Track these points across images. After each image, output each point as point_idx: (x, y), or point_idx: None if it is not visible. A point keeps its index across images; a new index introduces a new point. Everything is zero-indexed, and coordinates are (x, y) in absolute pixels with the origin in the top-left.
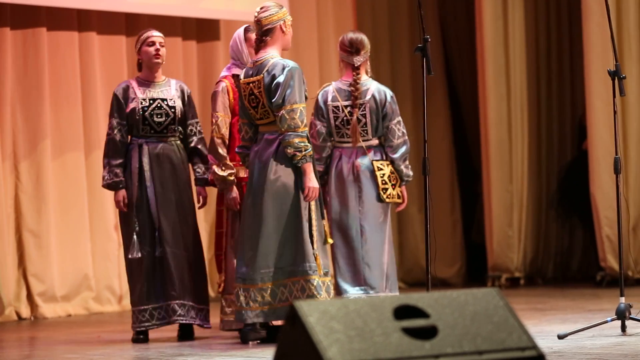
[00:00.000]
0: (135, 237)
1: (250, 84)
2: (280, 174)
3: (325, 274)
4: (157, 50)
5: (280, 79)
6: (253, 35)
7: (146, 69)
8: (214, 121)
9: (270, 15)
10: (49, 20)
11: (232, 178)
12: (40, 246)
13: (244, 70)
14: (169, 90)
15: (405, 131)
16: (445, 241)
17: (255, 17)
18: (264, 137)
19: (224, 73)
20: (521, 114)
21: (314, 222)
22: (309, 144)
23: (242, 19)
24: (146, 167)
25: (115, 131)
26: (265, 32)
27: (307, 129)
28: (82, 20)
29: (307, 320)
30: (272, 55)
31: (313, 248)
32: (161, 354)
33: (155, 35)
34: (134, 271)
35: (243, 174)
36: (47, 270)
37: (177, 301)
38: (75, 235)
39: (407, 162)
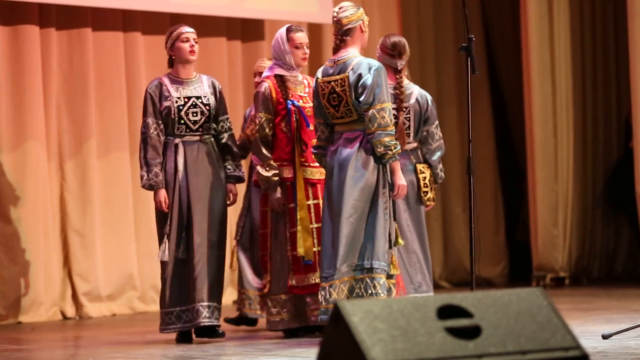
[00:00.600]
0: (166, 239)
1: (332, 83)
2: (363, 172)
3: (391, 276)
4: (192, 46)
5: (368, 78)
6: (296, 35)
7: (179, 66)
8: (257, 121)
9: (350, 14)
10: (94, 20)
11: (276, 179)
12: (85, 246)
13: (322, 69)
14: (202, 88)
15: (441, 134)
16: (489, 241)
17: (335, 16)
18: (343, 136)
19: (266, 73)
20: (566, 113)
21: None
22: (397, 143)
23: (287, 18)
24: (180, 167)
25: (152, 130)
26: (346, 31)
27: (394, 128)
28: (127, 21)
29: (351, 319)
30: (354, 55)
31: (390, 247)
32: (205, 353)
33: (189, 31)
34: (164, 273)
35: (287, 174)
36: (92, 269)
37: (202, 303)
38: (120, 235)
39: (441, 165)
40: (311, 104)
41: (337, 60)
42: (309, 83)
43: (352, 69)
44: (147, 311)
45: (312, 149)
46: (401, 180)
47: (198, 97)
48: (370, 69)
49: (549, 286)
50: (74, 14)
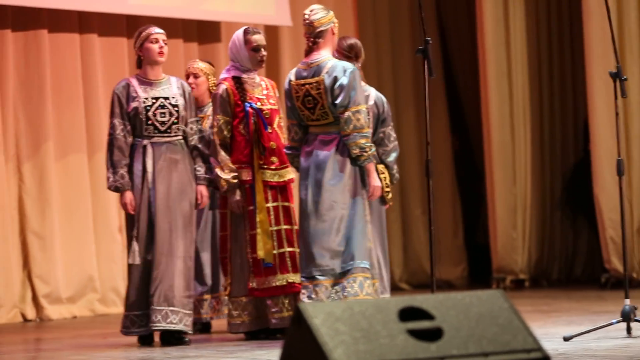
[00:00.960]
0: (135, 242)
1: (306, 85)
2: (340, 175)
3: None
4: (161, 47)
5: (344, 80)
6: (253, 37)
7: (147, 67)
8: (215, 124)
9: (322, 17)
10: (50, 22)
11: (235, 181)
12: (44, 248)
13: (295, 71)
14: (170, 89)
15: (396, 136)
16: (448, 243)
17: (307, 19)
18: (318, 138)
19: (223, 75)
20: (523, 115)
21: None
22: (372, 145)
23: (243, 20)
24: (149, 169)
25: (118, 131)
26: (319, 34)
27: (370, 129)
28: (83, 22)
29: (313, 321)
30: (327, 57)
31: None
32: (166, 355)
33: (158, 32)
34: (131, 276)
35: (246, 176)
36: (52, 272)
37: (164, 307)
38: (79, 237)
39: (396, 166)
40: (269, 106)
41: (311, 63)
42: (266, 85)
43: (327, 72)
44: (107, 313)
45: (285, 150)
46: (376, 181)
47: (166, 98)
48: (345, 71)
49: (509, 288)
50: (29, 15)
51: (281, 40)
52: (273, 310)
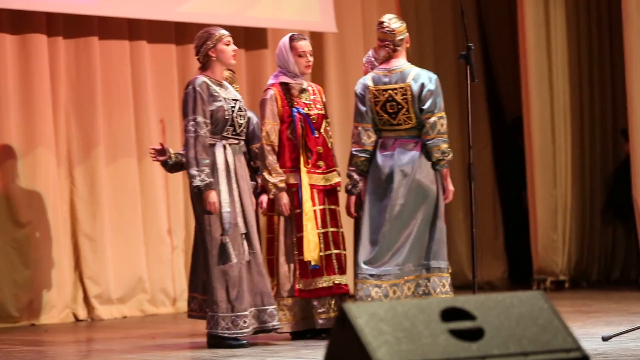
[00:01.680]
0: (228, 242)
1: (389, 91)
2: (425, 177)
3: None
4: (235, 51)
5: (431, 87)
6: (299, 44)
7: (217, 68)
8: (263, 129)
9: (400, 26)
10: (100, 29)
11: (282, 185)
12: (95, 250)
13: (372, 77)
14: (235, 92)
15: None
16: (489, 245)
17: (387, 26)
18: (397, 141)
19: (271, 81)
20: (564, 119)
21: None
22: (451, 150)
23: (289, 27)
24: (232, 167)
25: (203, 129)
26: (399, 42)
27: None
28: (133, 30)
29: (357, 322)
30: (408, 65)
31: None
32: (214, 355)
33: (229, 34)
34: (226, 275)
35: (292, 180)
36: (102, 273)
37: (272, 306)
38: (129, 239)
39: None
40: (316, 111)
41: (392, 70)
42: (314, 90)
43: (412, 78)
44: (157, 313)
45: (357, 152)
46: (451, 185)
47: (240, 101)
48: (430, 78)
49: (549, 289)
50: (81, 23)
51: (326, 47)
52: (320, 310)
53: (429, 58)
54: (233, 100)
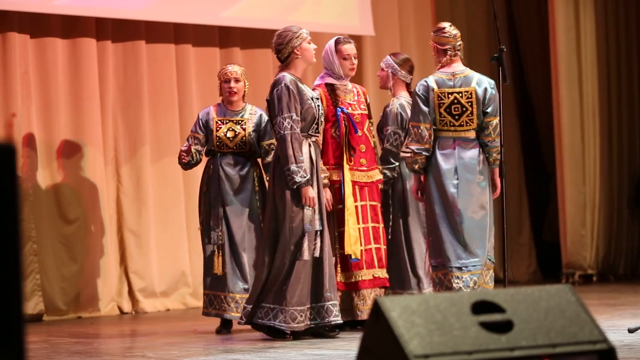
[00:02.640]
0: (318, 236)
1: (455, 94)
2: (486, 175)
3: None
4: (315, 49)
5: (493, 92)
6: (344, 47)
7: (300, 66)
8: None
9: (458, 33)
10: (147, 33)
11: (326, 181)
12: (140, 245)
13: (436, 79)
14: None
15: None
16: (512, 241)
17: (449, 31)
18: (457, 142)
19: (317, 82)
20: (593, 119)
21: None
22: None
23: (329, 30)
24: (315, 164)
25: (297, 125)
26: (459, 46)
27: None
28: (179, 33)
29: (390, 315)
30: (469, 70)
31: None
32: (253, 346)
33: (309, 33)
34: (304, 270)
35: (336, 177)
36: (147, 267)
37: (330, 302)
38: (173, 235)
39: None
40: (360, 111)
41: (455, 74)
42: (358, 91)
43: (476, 83)
44: (199, 307)
45: (418, 150)
46: (499, 182)
47: (319, 99)
48: (490, 83)
49: (578, 283)
50: (128, 27)
51: (364, 50)
52: (359, 303)
53: (463, 60)
54: (316, 98)
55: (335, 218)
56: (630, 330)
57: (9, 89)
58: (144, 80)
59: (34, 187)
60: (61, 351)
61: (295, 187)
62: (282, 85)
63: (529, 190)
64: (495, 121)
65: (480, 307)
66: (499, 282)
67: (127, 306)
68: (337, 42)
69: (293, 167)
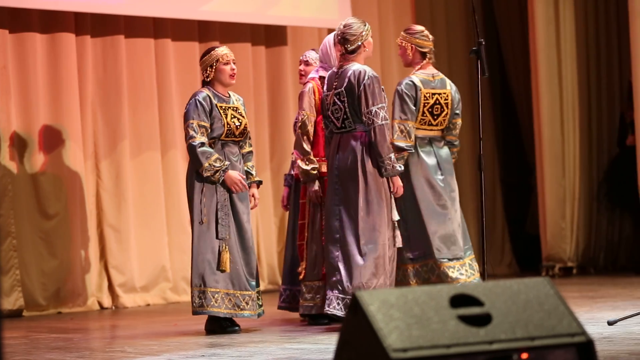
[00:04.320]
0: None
1: (437, 95)
2: (453, 173)
3: None
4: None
5: (459, 94)
6: None
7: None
8: (300, 118)
9: None
10: (126, 28)
11: (314, 172)
12: (120, 240)
13: (423, 80)
14: None
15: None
16: (492, 234)
17: (427, 34)
18: (431, 140)
19: (312, 75)
20: (573, 112)
21: None
22: None
23: (308, 24)
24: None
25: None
26: (433, 50)
27: None
28: (158, 28)
29: (368, 309)
30: (440, 73)
31: None
32: (232, 340)
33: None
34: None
35: (325, 169)
36: (126, 262)
37: None
38: (153, 230)
39: None
40: None
41: (434, 75)
42: None
43: (449, 86)
44: (179, 301)
45: (407, 147)
46: None
47: None
48: (455, 87)
49: (558, 276)
50: (107, 22)
51: None
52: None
53: (442, 54)
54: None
55: (324, 209)
56: (610, 323)
57: None
58: (124, 74)
59: (13, 182)
60: (41, 346)
61: (394, 176)
62: (373, 76)
63: (505, 184)
64: (460, 122)
65: (459, 300)
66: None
67: (107, 301)
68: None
69: (392, 155)
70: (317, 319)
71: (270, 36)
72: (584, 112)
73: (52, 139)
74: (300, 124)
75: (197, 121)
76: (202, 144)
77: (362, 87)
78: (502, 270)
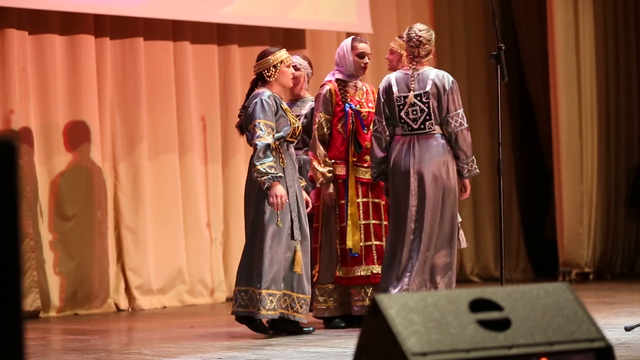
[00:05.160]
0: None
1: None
2: None
3: None
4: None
5: None
6: (360, 45)
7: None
8: (316, 120)
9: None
10: (145, 30)
11: (330, 175)
12: (137, 242)
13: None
14: None
15: None
16: (508, 240)
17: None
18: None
19: (328, 77)
20: (591, 117)
21: None
22: None
23: (327, 28)
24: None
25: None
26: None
27: None
28: (177, 31)
29: (388, 312)
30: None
31: None
32: (250, 344)
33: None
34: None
35: (340, 171)
36: (144, 264)
37: None
38: (170, 232)
39: None
40: (367, 109)
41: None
42: (367, 90)
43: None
44: (195, 304)
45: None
46: None
47: None
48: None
49: (575, 281)
50: (127, 24)
51: None
52: (356, 298)
53: (461, 58)
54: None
55: (338, 212)
56: (627, 329)
57: (7, 86)
58: (142, 77)
59: (31, 183)
60: (57, 348)
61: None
62: (454, 80)
63: (524, 189)
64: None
65: (478, 305)
66: (495, 280)
67: (123, 303)
68: (353, 40)
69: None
70: (331, 321)
71: (289, 39)
72: (602, 117)
73: (71, 140)
74: (316, 126)
75: (263, 120)
76: (269, 146)
77: (448, 90)
78: (517, 276)
